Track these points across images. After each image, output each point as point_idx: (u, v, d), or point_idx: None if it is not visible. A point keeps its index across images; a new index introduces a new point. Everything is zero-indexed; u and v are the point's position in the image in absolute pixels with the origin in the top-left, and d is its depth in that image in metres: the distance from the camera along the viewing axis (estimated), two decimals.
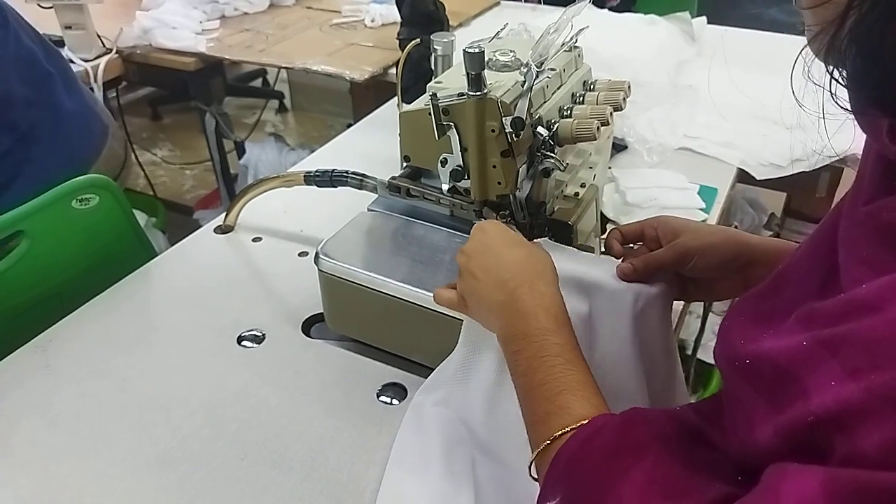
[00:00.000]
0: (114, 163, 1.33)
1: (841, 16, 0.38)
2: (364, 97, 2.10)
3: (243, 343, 0.86)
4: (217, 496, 0.67)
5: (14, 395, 0.78)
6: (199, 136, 2.10)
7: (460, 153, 0.74)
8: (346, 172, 0.89)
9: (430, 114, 0.72)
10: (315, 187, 0.92)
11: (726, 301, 1.20)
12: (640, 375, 0.68)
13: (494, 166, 0.73)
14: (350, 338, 0.86)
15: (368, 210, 0.89)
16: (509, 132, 0.70)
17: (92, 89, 1.63)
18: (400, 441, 0.71)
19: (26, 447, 0.73)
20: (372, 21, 1.92)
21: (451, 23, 1.49)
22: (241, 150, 2.42)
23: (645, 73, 1.42)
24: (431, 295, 0.74)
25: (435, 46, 0.97)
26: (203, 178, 2.90)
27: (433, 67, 0.99)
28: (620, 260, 0.70)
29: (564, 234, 0.80)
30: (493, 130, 0.71)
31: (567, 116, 0.76)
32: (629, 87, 0.79)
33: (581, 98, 0.80)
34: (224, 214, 1.07)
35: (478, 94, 0.69)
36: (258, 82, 3.50)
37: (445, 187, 0.78)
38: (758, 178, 1.26)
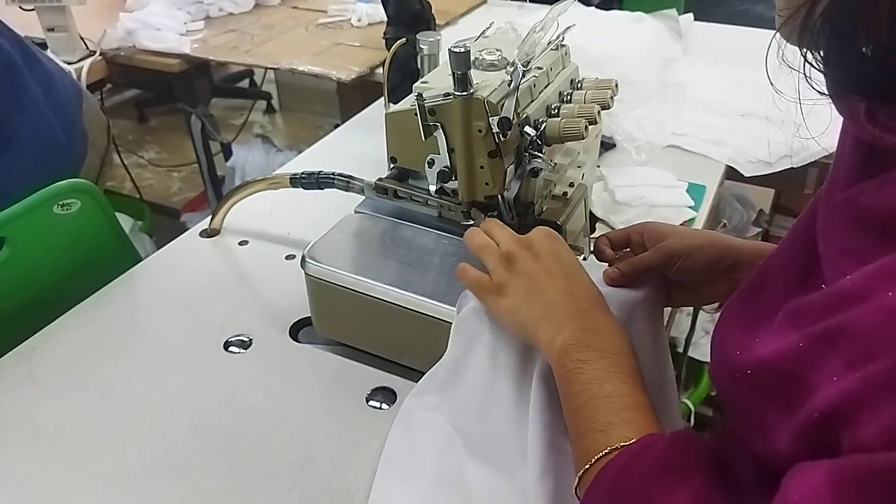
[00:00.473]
0: (94, 164, 1.31)
1: None
2: (351, 97, 2.09)
3: (230, 348, 0.85)
4: None
5: None
6: (186, 138, 2.08)
7: (447, 154, 0.73)
8: (333, 174, 0.88)
9: (416, 114, 0.71)
10: (302, 189, 0.91)
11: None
12: None
13: (482, 167, 0.72)
14: (338, 342, 0.85)
15: (356, 212, 0.88)
16: (496, 132, 0.69)
17: None
18: (390, 447, 0.70)
19: (9, 458, 0.71)
20: (358, 20, 1.91)
21: (437, 21, 1.48)
22: (227, 151, 2.40)
23: (632, 71, 1.42)
24: (420, 298, 0.73)
25: (421, 46, 0.96)
26: (190, 181, 2.88)
27: (419, 67, 0.98)
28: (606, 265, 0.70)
29: None
30: (479, 130, 0.70)
31: (555, 115, 0.76)
32: (616, 86, 0.78)
33: (568, 97, 0.80)
34: (210, 218, 1.06)
35: (464, 93, 0.68)
36: (245, 83, 3.48)
37: (433, 188, 0.77)
38: (746, 174, 1.26)
